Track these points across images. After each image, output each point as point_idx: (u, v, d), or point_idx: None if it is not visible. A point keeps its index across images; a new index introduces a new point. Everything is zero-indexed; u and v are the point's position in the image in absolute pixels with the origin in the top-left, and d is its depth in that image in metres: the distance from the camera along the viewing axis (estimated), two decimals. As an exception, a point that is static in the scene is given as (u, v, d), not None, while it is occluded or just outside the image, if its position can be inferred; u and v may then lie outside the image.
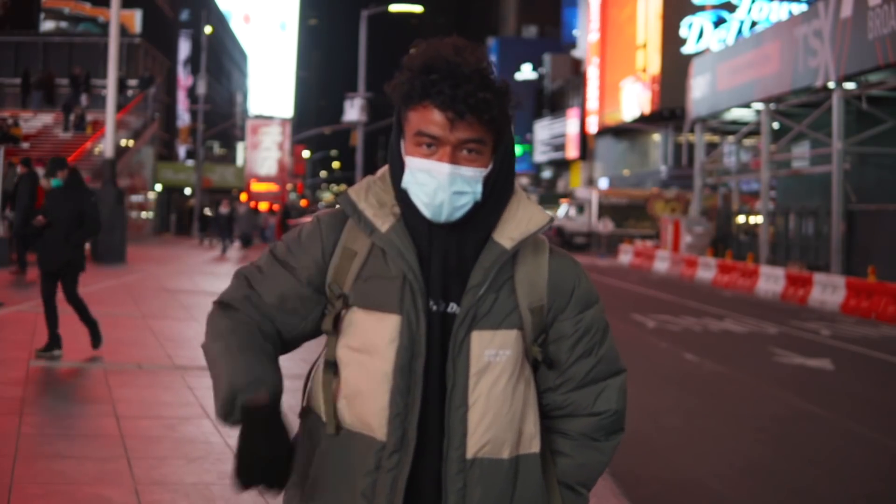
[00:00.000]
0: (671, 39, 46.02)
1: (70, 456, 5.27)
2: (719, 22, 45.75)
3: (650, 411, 7.83)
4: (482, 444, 1.78)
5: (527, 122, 68.53)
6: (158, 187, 43.25)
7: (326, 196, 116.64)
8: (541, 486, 1.86)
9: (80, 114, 33.28)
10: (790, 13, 39.79)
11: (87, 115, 33.36)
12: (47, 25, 42.65)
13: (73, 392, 7.22)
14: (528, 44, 76.83)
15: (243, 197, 45.45)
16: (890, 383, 10.70)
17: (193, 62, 52.06)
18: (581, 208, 44.06)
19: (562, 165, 66.33)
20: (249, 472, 1.70)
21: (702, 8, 45.99)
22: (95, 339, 8.59)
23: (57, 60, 39.20)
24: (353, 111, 41.74)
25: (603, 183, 54.02)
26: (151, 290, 15.25)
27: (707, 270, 25.33)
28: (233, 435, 5.10)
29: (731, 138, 32.05)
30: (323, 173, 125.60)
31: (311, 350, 2.01)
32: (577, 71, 63.71)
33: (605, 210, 42.74)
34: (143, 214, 40.73)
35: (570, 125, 61.12)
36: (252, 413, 1.70)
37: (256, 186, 49.16)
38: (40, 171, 14.75)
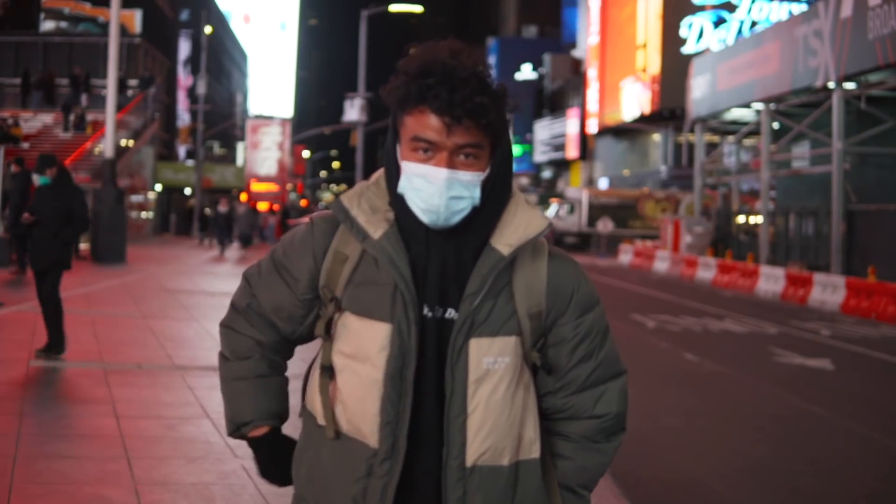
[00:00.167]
0: (671, 39, 46.03)
1: (70, 456, 5.26)
2: (719, 22, 45.76)
3: (650, 411, 7.82)
4: (482, 452, 1.77)
5: (527, 122, 68.52)
6: (158, 187, 43.24)
7: (326, 196, 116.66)
8: (541, 490, 1.85)
9: (80, 114, 33.27)
10: (790, 13, 39.79)
11: (87, 115, 33.35)
12: (47, 25, 42.63)
13: (73, 392, 7.21)
14: (528, 44, 76.79)
15: (243, 197, 45.42)
16: (890, 383, 10.69)
17: (193, 62, 52.06)
18: (572, 208, 44.01)
19: (562, 165, 66.29)
20: (268, 476, 1.97)
21: (702, 8, 46.00)
22: (53, 347, 8.09)
23: (57, 60, 39.19)
24: (353, 111, 41.71)
25: (603, 183, 54.00)
26: (151, 290, 15.24)
27: (707, 270, 25.32)
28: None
29: (731, 138, 32.03)
30: (323, 173, 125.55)
31: (311, 350, 2.02)
32: (577, 71, 63.68)
33: (595, 210, 42.62)
34: (143, 214, 40.71)
35: (570, 125, 61.10)
36: (255, 441, 1.95)
37: (256, 186, 49.12)
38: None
